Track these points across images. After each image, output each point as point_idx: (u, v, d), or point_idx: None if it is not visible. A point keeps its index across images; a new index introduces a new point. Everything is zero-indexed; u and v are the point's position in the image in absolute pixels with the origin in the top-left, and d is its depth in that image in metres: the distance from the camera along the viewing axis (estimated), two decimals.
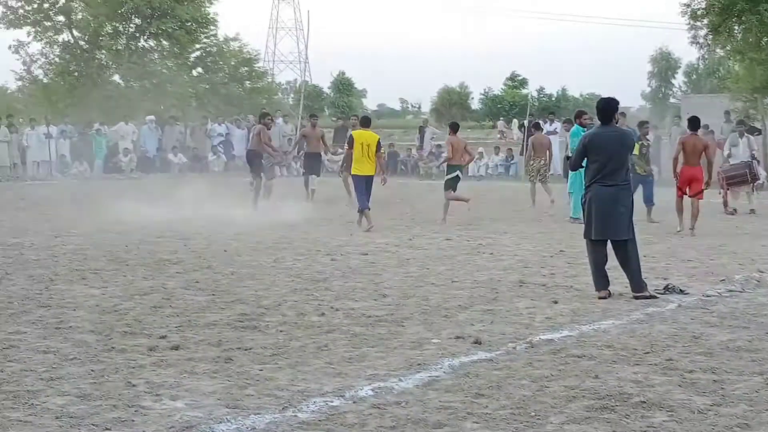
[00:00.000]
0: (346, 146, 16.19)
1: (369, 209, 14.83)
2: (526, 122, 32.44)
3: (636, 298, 8.60)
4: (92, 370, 5.88)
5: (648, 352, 6.50)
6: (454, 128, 16.49)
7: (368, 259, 11.31)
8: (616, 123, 9.04)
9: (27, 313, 7.73)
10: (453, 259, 11.32)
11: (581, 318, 7.76)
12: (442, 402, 5.29)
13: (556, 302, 8.43)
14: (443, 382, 5.71)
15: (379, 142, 15.32)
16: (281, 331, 7.12)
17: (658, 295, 8.74)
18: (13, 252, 11.64)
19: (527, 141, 29.56)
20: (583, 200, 8.97)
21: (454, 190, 16.11)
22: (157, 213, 15.97)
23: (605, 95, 9.42)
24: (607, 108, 8.85)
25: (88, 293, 8.71)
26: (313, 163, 20.23)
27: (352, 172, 15.41)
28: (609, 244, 8.83)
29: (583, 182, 9.55)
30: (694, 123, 14.60)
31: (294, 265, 10.74)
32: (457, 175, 16.13)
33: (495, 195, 21.23)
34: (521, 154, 30.04)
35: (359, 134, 15.32)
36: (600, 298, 8.62)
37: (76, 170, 29.46)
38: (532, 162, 19.51)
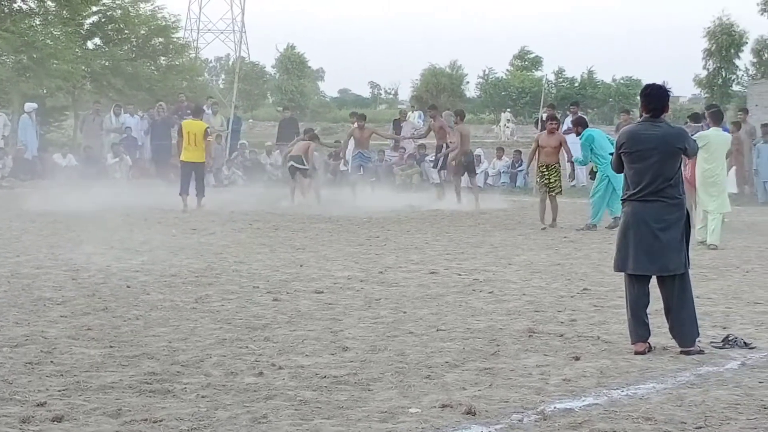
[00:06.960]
0: (177, 137, 23.67)
1: (188, 194, 21.99)
2: (540, 116, 32.61)
3: (685, 353, 8.63)
4: None
5: (701, 427, 6.52)
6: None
7: (324, 298, 11.30)
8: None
9: None
10: (439, 300, 11.33)
11: (611, 380, 7.78)
12: None
13: (577, 358, 8.45)
14: None
15: (206, 131, 22.74)
16: (203, 397, 7.09)
17: (715, 350, 8.78)
18: None
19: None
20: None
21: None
22: (36, 235, 15.84)
23: (648, 81, 9.51)
24: (658, 97, 8.96)
25: None
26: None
27: (181, 159, 22.73)
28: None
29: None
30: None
31: (222, 306, 10.71)
32: None
33: (497, 213, 21.28)
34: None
35: (187, 124, 23.06)
36: (637, 352, 8.64)
37: None
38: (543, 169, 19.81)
